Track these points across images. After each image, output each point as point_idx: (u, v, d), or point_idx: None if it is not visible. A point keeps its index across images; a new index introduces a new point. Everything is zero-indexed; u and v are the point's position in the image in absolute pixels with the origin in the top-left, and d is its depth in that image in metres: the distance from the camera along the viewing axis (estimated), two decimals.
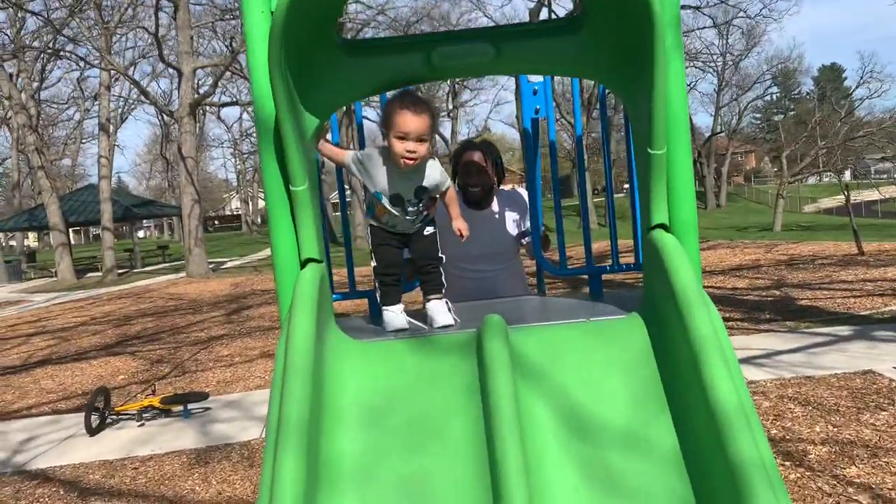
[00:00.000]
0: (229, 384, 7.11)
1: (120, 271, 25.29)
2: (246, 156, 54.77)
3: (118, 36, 28.54)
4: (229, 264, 25.99)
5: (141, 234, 63.91)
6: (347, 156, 2.12)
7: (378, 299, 2.21)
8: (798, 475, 3.69)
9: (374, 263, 2.18)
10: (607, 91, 2.77)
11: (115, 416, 6.04)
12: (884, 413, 4.41)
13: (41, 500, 4.49)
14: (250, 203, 58.84)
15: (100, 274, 24.58)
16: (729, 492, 1.51)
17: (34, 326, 13.14)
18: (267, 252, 31.48)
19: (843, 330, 6.74)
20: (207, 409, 6.17)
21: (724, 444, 1.53)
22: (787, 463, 3.84)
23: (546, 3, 30.84)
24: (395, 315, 2.12)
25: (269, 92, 1.79)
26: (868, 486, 3.49)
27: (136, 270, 26.67)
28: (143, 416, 5.95)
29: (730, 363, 1.66)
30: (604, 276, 2.55)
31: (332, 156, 2.15)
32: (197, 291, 16.85)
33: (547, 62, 2.06)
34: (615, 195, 2.77)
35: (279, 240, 1.95)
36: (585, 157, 2.70)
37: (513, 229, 3.09)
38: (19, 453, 5.47)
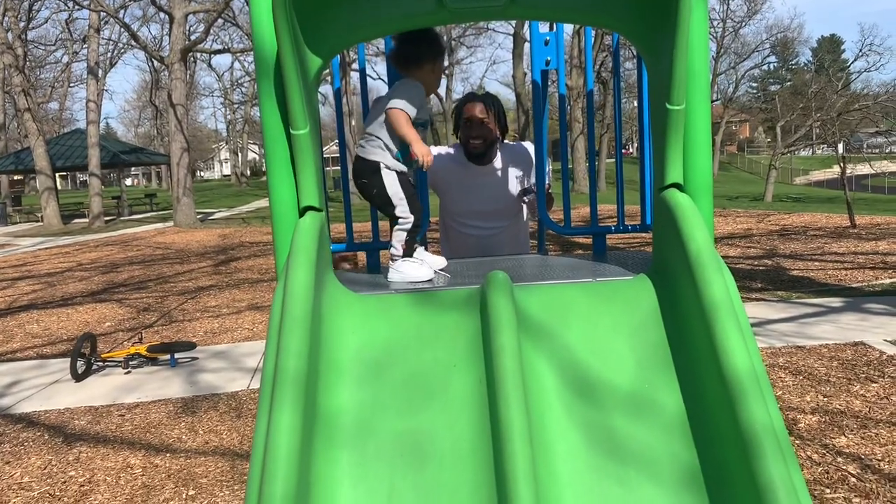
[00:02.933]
0: (217, 335, 7.06)
1: (107, 218, 25.06)
2: (236, 106, 54.03)
3: None
4: (217, 215, 25.80)
5: (129, 181, 63.36)
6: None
7: (400, 251, 2.10)
8: None
9: (407, 214, 2.09)
10: (622, 41, 2.67)
11: (101, 363, 5.99)
12: (874, 385, 4.42)
13: (26, 443, 4.45)
14: (239, 154, 58.21)
15: (87, 220, 24.35)
16: (738, 458, 1.47)
17: (19, 271, 13.01)
18: (256, 204, 31.25)
19: (835, 301, 6.75)
20: (195, 358, 6.13)
21: (735, 410, 1.49)
22: None
23: None
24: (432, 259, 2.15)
25: (270, 28, 1.69)
26: (857, 456, 3.50)
27: (123, 218, 26.42)
28: (130, 363, 5.90)
29: (744, 329, 1.61)
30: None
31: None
32: (184, 241, 16.72)
33: (563, 9, 1.96)
34: (612, 159, 2.70)
35: (278, 186, 1.86)
36: (593, 112, 2.61)
37: (516, 186, 2.99)
38: (4, 397, 5.42)
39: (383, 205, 2.10)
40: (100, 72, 27.33)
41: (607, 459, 1.63)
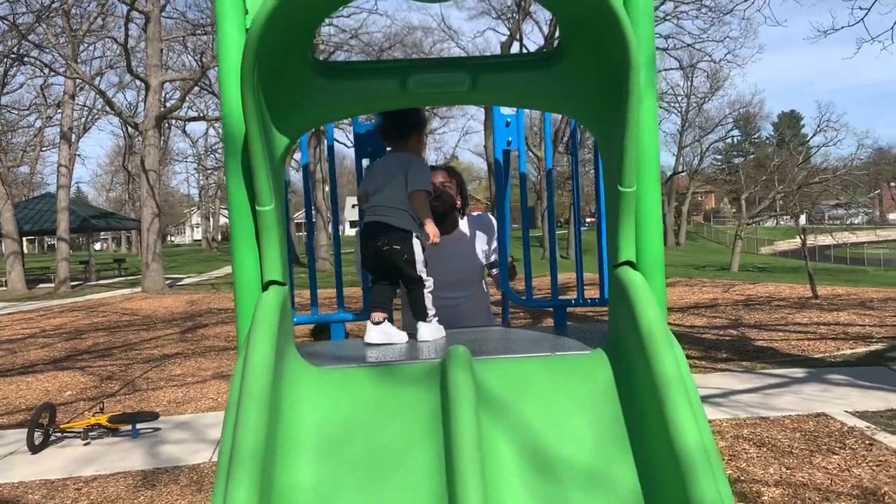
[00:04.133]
0: (181, 405, 6.92)
1: (74, 283, 24.66)
2: (210, 171, 54.15)
3: (86, 45, 28.11)
4: (186, 281, 25.55)
5: (98, 246, 62.62)
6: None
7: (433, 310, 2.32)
8: None
9: (426, 276, 2.35)
10: (579, 126, 2.79)
11: (59, 434, 5.83)
12: (835, 456, 4.47)
13: None
14: (211, 219, 58.03)
15: (52, 285, 23.94)
16: None
17: None
18: (225, 270, 31.03)
19: (798, 372, 6.85)
20: (157, 429, 5.99)
21: (686, 487, 1.52)
22: None
23: (518, 37, 31.33)
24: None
25: (239, 108, 1.75)
26: None
27: (90, 283, 26.04)
28: (90, 434, 5.75)
29: (694, 405, 1.65)
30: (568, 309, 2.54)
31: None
32: (152, 307, 16.49)
33: (522, 95, 2.06)
34: (585, 227, 2.79)
35: (241, 260, 1.90)
36: (553, 189, 2.71)
37: (481, 255, 3.06)
38: None
39: (407, 269, 2.29)
40: (73, 137, 27.38)
41: None
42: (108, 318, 14.63)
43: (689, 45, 33.63)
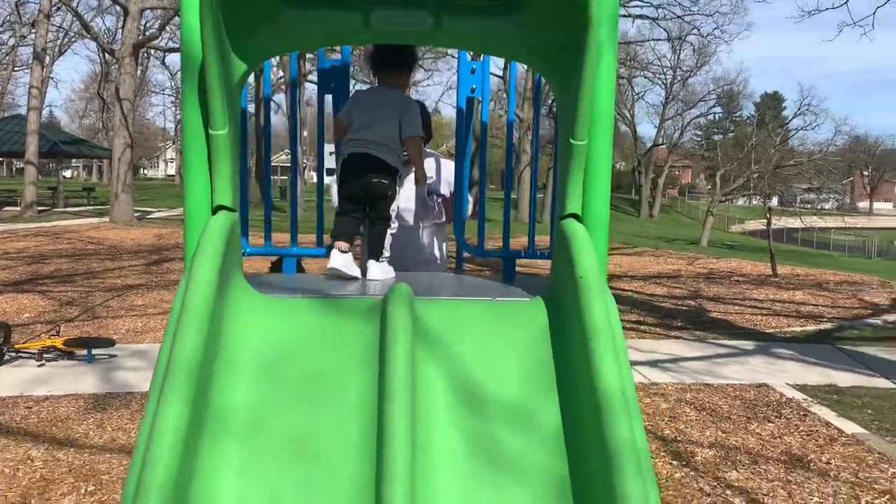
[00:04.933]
0: (139, 334, 6.94)
1: (40, 208, 24.24)
2: None
3: None
4: (156, 215, 25.27)
5: (68, 173, 61.41)
6: None
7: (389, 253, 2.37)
8: (682, 474, 3.85)
9: (393, 218, 2.41)
10: (544, 82, 2.81)
11: (14, 354, 5.83)
12: (770, 424, 4.64)
13: None
14: None
15: (18, 209, 23.52)
16: (602, 474, 1.56)
17: None
18: None
19: (747, 344, 7.04)
20: (113, 356, 6.01)
21: (602, 427, 1.59)
22: (675, 462, 4.01)
23: None
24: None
25: (198, 31, 1.75)
26: (745, 489, 3.68)
27: (57, 209, 25.62)
28: (45, 356, 5.76)
29: (619, 353, 1.72)
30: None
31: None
32: (118, 238, 16.33)
33: (484, 41, 2.08)
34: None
35: (192, 184, 1.92)
36: (515, 143, 2.74)
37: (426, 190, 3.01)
38: None
39: (385, 205, 2.34)
40: (47, 58, 26.62)
41: (485, 465, 1.71)
42: (72, 246, 14.47)
43: (678, 17, 33.39)
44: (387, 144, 2.33)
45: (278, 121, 41.16)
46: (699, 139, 57.54)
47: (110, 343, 5.95)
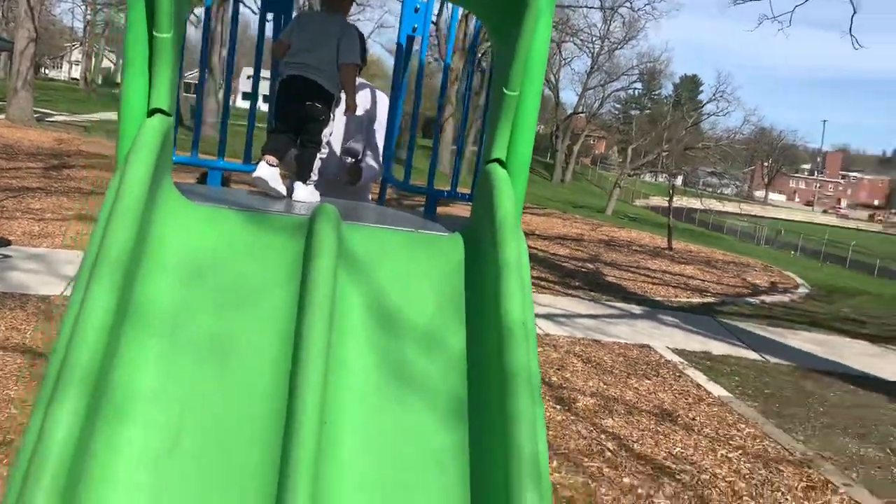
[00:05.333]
0: (36, 238, 6.70)
1: None
2: (99, 7, 49.78)
3: None
4: (57, 118, 23.89)
5: None
6: None
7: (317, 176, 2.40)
8: (563, 417, 4.16)
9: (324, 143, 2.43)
10: (483, 30, 2.91)
11: None
12: (648, 381, 5.03)
13: None
14: (94, 59, 53.72)
15: None
16: (497, 393, 1.73)
17: None
18: (102, 115, 29.15)
19: (636, 309, 7.50)
20: (7, 256, 5.80)
21: (502, 353, 1.75)
22: (558, 406, 4.31)
23: None
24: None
25: None
26: (618, 436, 4.02)
27: None
28: None
29: (525, 288, 1.88)
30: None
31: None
32: (15, 137, 15.40)
33: None
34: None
35: (130, 83, 1.92)
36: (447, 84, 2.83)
37: (357, 124, 3.06)
38: None
39: (318, 129, 2.38)
40: None
41: (394, 382, 1.85)
42: None
43: None
44: (325, 69, 2.37)
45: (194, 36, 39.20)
46: (617, 112, 58.93)
47: (6, 243, 5.74)
